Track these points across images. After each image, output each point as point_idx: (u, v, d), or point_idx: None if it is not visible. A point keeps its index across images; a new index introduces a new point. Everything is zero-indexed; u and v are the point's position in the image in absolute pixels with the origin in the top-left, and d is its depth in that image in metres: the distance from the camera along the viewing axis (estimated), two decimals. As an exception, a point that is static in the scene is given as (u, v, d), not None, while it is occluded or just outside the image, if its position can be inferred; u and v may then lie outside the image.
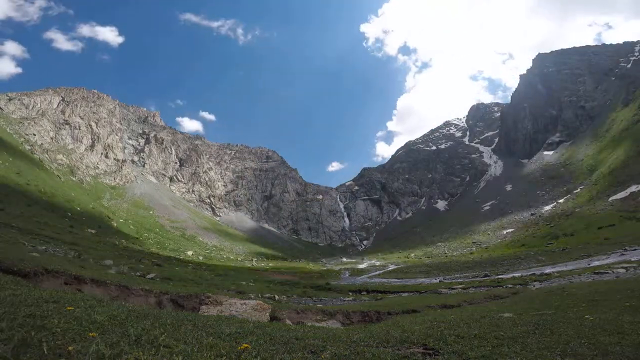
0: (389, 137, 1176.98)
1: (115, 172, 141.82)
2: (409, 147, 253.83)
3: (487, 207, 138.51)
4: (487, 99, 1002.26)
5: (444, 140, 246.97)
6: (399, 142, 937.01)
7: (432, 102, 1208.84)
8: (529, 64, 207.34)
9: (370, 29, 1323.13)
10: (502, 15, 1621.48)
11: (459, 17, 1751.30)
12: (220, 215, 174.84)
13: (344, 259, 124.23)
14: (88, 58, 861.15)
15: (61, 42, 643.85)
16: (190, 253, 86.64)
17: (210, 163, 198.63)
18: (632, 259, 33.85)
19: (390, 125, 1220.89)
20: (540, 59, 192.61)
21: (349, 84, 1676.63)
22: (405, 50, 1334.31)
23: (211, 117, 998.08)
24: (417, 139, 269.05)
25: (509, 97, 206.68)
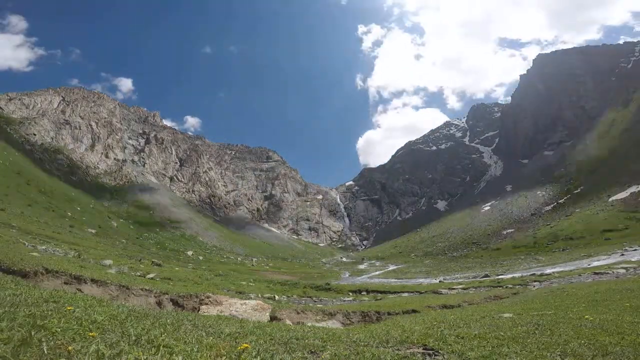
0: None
1: (115, 172, 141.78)
2: (409, 148, 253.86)
3: (487, 207, 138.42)
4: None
5: (444, 141, 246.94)
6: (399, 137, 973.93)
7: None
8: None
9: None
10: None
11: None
12: (220, 215, 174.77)
13: (344, 259, 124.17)
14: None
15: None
16: (190, 253, 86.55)
17: (211, 163, 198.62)
18: (632, 259, 33.83)
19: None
20: (540, 59, 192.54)
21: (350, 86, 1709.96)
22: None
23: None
24: (417, 139, 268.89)
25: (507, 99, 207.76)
